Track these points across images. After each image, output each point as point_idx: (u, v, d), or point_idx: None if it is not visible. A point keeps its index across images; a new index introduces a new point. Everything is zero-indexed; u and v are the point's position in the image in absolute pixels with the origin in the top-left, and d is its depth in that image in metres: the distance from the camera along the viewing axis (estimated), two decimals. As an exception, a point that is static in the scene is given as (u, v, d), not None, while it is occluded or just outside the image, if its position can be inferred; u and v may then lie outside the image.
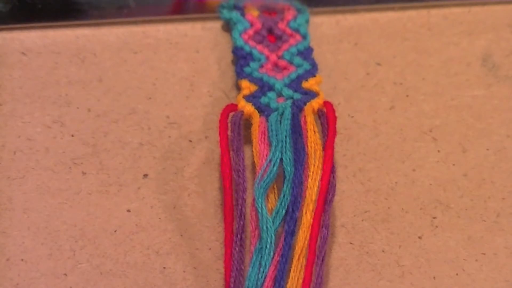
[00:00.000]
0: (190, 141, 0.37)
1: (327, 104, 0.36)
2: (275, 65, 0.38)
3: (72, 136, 0.37)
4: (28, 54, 0.39)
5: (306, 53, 0.39)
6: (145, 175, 0.36)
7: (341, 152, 0.37)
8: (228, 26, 0.40)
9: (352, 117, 0.38)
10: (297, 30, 0.39)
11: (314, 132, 0.35)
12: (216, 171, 0.36)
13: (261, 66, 0.38)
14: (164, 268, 0.34)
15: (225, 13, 0.40)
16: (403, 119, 0.38)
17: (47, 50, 0.39)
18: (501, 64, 0.41)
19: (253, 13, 0.40)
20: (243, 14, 0.40)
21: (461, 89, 0.40)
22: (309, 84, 0.38)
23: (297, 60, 0.38)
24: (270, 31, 0.40)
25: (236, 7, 0.40)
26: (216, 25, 0.41)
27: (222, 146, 0.34)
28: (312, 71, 0.38)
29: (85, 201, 0.35)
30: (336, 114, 0.36)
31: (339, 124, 0.37)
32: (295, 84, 0.38)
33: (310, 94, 0.37)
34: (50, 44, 0.39)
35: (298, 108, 0.36)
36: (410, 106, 0.39)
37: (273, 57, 0.38)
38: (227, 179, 0.34)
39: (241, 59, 0.38)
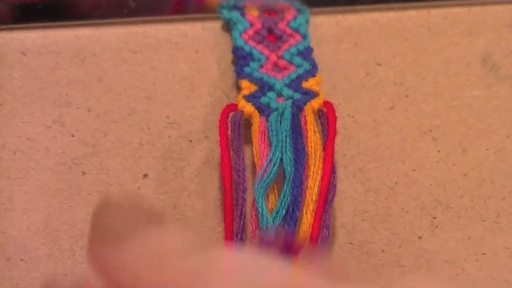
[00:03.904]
0: (190, 141, 0.37)
1: (327, 104, 0.36)
2: (275, 65, 0.38)
3: (72, 136, 0.37)
4: (28, 54, 0.39)
5: (306, 53, 0.39)
6: (145, 175, 0.36)
7: (341, 152, 0.37)
8: (228, 26, 0.40)
9: (352, 117, 0.38)
10: (297, 30, 0.39)
11: (314, 132, 0.35)
12: (216, 171, 0.36)
13: (261, 66, 0.38)
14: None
15: (225, 13, 0.40)
16: (403, 119, 0.38)
17: (47, 50, 0.39)
18: (501, 64, 0.41)
19: (253, 13, 0.40)
20: (243, 14, 0.40)
21: (461, 89, 0.40)
22: (309, 84, 0.38)
23: (297, 60, 0.38)
24: (270, 31, 0.40)
25: (236, 7, 0.40)
26: (216, 25, 0.41)
27: (222, 146, 0.34)
28: (312, 71, 0.38)
29: (85, 201, 0.35)
30: (336, 114, 0.36)
31: (339, 124, 0.37)
32: (295, 84, 0.38)
33: (310, 94, 0.37)
34: (50, 44, 0.39)
35: (298, 108, 0.36)
36: (410, 106, 0.39)
37: (273, 57, 0.38)
38: (227, 179, 0.34)
39: (241, 59, 0.38)
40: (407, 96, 0.39)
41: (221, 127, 0.35)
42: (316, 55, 0.39)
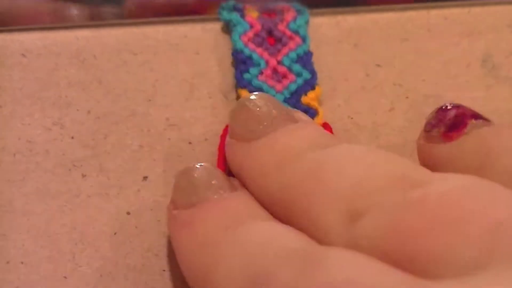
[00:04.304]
0: (190, 143, 0.37)
1: (326, 126, 0.36)
2: (275, 71, 0.38)
3: (72, 138, 0.37)
4: (28, 55, 0.39)
5: (306, 58, 0.38)
6: (145, 177, 0.36)
7: (341, 154, 0.37)
8: (228, 28, 0.40)
9: (352, 118, 0.38)
10: (296, 32, 0.39)
11: None
12: (216, 173, 0.36)
13: (261, 73, 0.38)
14: (164, 270, 0.34)
15: (225, 15, 0.40)
16: (403, 120, 0.39)
17: (47, 51, 0.39)
18: (501, 65, 0.41)
19: (252, 15, 0.40)
20: (242, 16, 0.40)
21: (460, 90, 0.40)
22: (309, 98, 0.37)
23: (296, 67, 0.38)
24: (269, 32, 0.39)
25: (236, 9, 0.40)
26: (216, 26, 0.41)
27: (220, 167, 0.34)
28: (312, 81, 0.38)
29: (85, 204, 0.35)
30: (336, 115, 0.36)
31: (339, 126, 0.37)
32: (295, 98, 0.37)
33: (310, 112, 0.37)
34: (50, 45, 0.39)
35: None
36: (410, 108, 0.39)
37: (273, 61, 0.38)
38: None
39: (240, 64, 0.38)
40: (407, 97, 0.39)
41: (221, 150, 0.35)
42: (316, 56, 0.39)
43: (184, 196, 0.29)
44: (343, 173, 0.26)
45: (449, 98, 0.39)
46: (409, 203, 0.23)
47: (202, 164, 0.30)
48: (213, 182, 0.29)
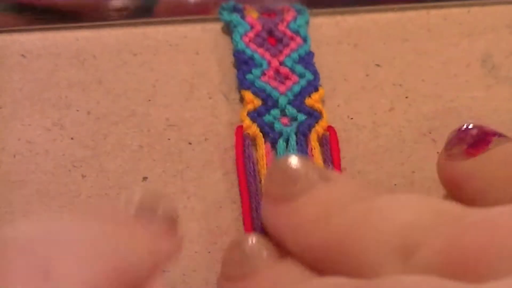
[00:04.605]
0: (190, 143, 0.37)
1: (330, 130, 0.36)
2: (277, 71, 0.38)
3: (72, 139, 0.37)
4: (27, 56, 0.39)
5: (308, 59, 0.38)
6: (145, 178, 0.36)
7: (341, 154, 0.37)
8: (228, 28, 0.40)
9: (352, 118, 0.38)
10: (297, 32, 0.39)
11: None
12: (216, 173, 0.36)
13: (263, 74, 0.38)
14: (164, 271, 0.34)
15: (225, 15, 0.40)
16: (403, 120, 0.39)
17: (47, 52, 0.39)
18: (501, 65, 0.41)
19: (252, 15, 0.40)
20: (243, 17, 0.40)
21: (460, 90, 0.40)
22: (313, 100, 0.37)
23: (299, 68, 0.38)
24: (270, 33, 0.39)
25: (236, 9, 0.40)
26: (216, 26, 0.41)
27: (240, 172, 0.35)
28: (314, 82, 0.38)
29: (85, 204, 0.35)
30: (336, 115, 0.36)
31: (339, 126, 0.37)
32: (299, 100, 0.37)
33: (314, 115, 0.37)
34: (50, 46, 0.39)
35: (303, 134, 0.36)
36: (409, 108, 0.39)
37: (275, 62, 0.38)
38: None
39: (243, 64, 0.38)
40: (407, 97, 0.39)
41: (238, 151, 0.35)
42: (316, 56, 0.39)
43: (236, 268, 0.30)
44: (392, 217, 0.27)
45: (449, 98, 0.39)
46: (465, 227, 0.25)
47: (251, 235, 0.31)
48: (263, 252, 0.30)
